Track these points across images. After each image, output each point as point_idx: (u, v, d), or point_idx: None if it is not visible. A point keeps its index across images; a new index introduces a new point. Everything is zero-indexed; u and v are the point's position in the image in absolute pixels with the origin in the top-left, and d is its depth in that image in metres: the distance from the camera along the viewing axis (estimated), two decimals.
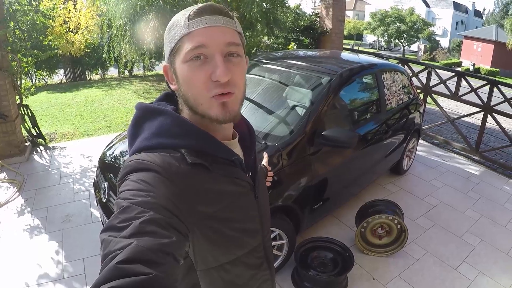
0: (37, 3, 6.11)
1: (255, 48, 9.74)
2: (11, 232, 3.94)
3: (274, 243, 3.17)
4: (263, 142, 3.11)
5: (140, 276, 0.65)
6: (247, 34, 9.00)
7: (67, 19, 12.50)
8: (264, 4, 8.37)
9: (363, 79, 4.31)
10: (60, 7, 8.94)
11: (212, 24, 0.92)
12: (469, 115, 7.06)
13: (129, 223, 0.75)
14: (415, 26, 45.06)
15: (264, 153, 1.85)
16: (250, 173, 1.13)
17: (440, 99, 7.60)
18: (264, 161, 1.74)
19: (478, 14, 59.15)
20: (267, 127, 3.39)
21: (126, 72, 15.61)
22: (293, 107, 3.59)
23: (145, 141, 0.96)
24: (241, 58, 0.98)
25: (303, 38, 9.76)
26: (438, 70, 7.21)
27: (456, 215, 4.47)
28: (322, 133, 3.19)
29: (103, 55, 10.86)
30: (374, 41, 55.13)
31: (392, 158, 4.80)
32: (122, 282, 0.64)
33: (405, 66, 7.47)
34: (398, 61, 7.76)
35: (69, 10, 12.49)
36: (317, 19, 10.00)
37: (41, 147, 6.20)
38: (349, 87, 3.88)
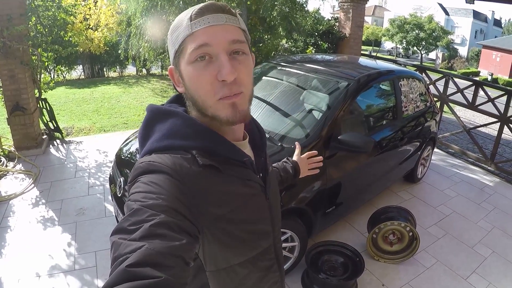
0: None
1: (273, 52, 9.76)
2: (25, 222, 4.00)
3: (285, 244, 3.17)
4: (279, 144, 3.13)
5: (149, 280, 0.65)
6: (266, 37, 9.03)
7: (87, 16, 12.67)
8: (283, 7, 8.39)
9: (380, 85, 4.30)
10: (81, 4, 9.02)
11: (214, 23, 0.90)
12: (485, 125, 6.98)
13: (139, 226, 0.74)
14: (433, 34, 44.66)
15: (296, 143, 1.85)
16: (261, 174, 1.12)
17: (456, 108, 7.53)
18: (297, 152, 1.77)
19: (497, 23, 58.38)
20: (284, 129, 3.41)
21: (144, 71, 15.74)
22: (310, 111, 3.59)
23: (156, 143, 0.95)
24: (247, 55, 0.96)
25: (321, 42, 9.74)
26: (455, 79, 7.15)
27: (468, 225, 4.41)
28: (338, 137, 3.19)
29: (119, 52, 10.90)
30: (392, 48, 54.75)
31: (407, 165, 4.76)
32: (131, 285, 0.64)
33: (423, 73, 7.42)
34: (415, 68, 7.72)
35: (90, 8, 12.66)
36: (336, 24, 9.99)
37: (58, 141, 6.29)
38: (366, 92, 3.86)
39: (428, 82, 6.47)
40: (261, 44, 9.28)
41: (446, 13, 54.33)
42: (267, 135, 3.24)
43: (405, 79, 4.51)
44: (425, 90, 5.05)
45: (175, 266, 0.71)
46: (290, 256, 3.29)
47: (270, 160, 1.27)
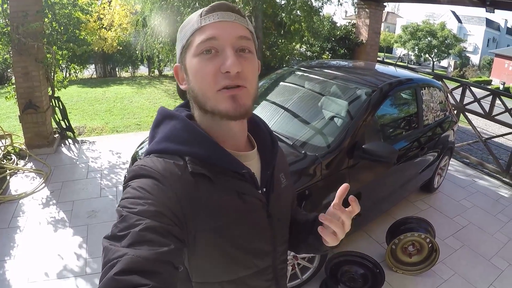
0: None
1: (288, 56, 9.73)
2: (35, 223, 3.95)
3: (305, 255, 3.10)
4: (302, 152, 3.04)
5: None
6: (280, 41, 9.00)
7: (101, 16, 12.75)
8: (299, 12, 8.39)
9: (402, 94, 4.20)
10: (97, 3, 9.06)
11: (224, 19, 0.91)
12: (503, 135, 6.89)
13: (127, 231, 0.75)
14: (446, 41, 44.31)
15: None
16: (264, 189, 1.06)
17: (470, 117, 7.42)
18: (335, 201, 1.12)
19: (510, 32, 57.62)
20: (304, 136, 3.32)
21: (156, 72, 15.78)
22: (331, 118, 3.50)
23: (155, 145, 0.96)
24: (253, 55, 0.95)
25: (338, 48, 9.70)
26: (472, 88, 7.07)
27: (485, 237, 4.34)
28: (363, 146, 3.10)
29: (137, 51, 10.97)
30: (403, 55, 54.35)
31: (425, 175, 4.67)
32: None
33: (440, 82, 7.34)
34: (433, 76, 7.63)
35: (104, 7, 12.74)
36: (353, 29, 9.97)
37: (70, 140, 6.27)
38: (388, 101, 3.79)
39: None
40: (275, 48, 9.25)
41: (459, 20, 53.88)
42: (289, 141, 3.17)
43: (426, 87, 4.42)
44: (444, 99, 4.94)
45: (163, 272, 0.72)
46: (309, 266, 3.21)
47: (287, 175, 1.21)
